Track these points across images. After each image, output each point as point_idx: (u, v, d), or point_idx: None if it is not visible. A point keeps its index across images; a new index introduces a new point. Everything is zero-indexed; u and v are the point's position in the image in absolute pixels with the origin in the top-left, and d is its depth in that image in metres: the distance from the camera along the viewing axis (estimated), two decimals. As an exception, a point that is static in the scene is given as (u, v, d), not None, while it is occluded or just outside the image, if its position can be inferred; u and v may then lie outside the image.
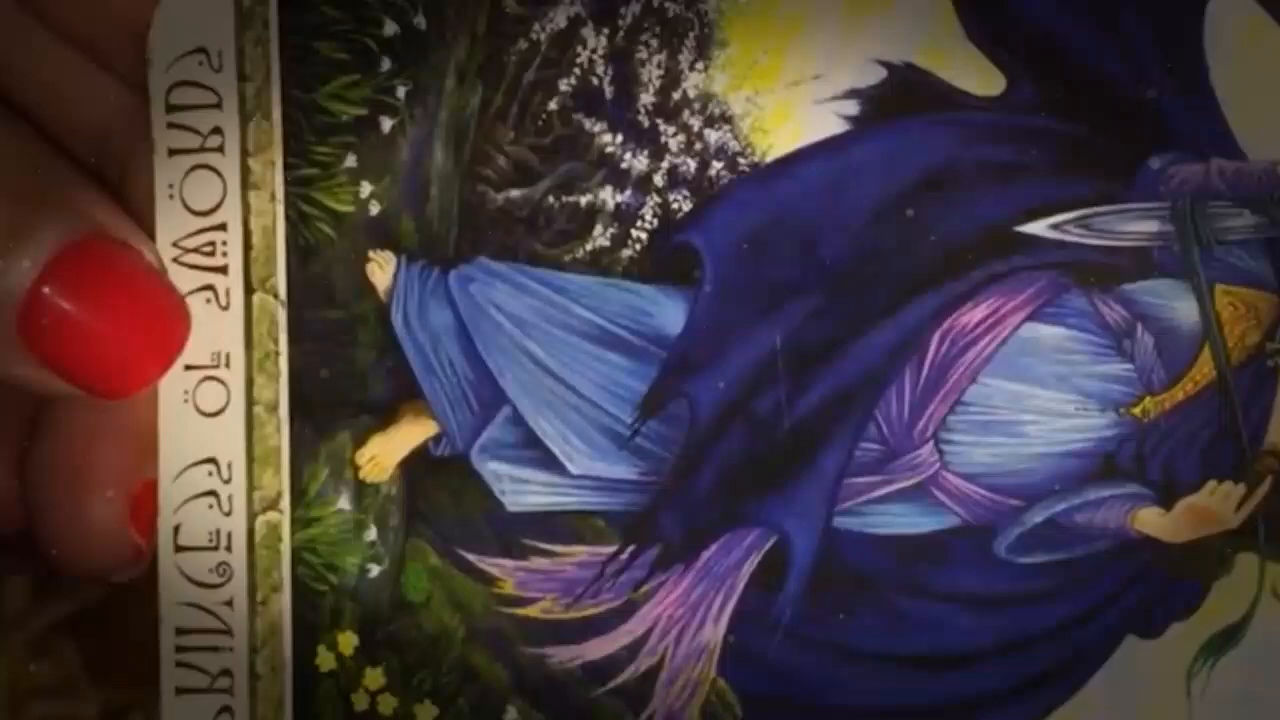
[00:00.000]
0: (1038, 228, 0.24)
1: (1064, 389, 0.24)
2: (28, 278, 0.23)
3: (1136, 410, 0.24)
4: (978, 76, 0.24)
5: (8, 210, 0.23)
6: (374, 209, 0.25)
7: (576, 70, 0.24)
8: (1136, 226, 0.23)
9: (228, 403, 0.25)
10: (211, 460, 0.25)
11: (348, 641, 0.25)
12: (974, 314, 0.24)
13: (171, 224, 0.25)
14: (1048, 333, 0.24)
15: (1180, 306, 0.23)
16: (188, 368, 0.25)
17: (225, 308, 0.25)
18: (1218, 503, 0.23)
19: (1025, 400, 0.24)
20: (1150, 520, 0.24)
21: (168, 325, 0.24)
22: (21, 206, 0.23)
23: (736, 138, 0.24)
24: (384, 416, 0.25)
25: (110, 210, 0.24)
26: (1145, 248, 0.23)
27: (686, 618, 0.25)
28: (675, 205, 0.24)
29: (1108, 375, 0.24)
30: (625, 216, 0.24)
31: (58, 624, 0.31)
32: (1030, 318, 0.24)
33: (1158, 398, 0.24)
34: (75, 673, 0.31)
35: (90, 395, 0.23)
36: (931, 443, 0.24)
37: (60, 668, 0.31)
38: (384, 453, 0.25)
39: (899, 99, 0.24)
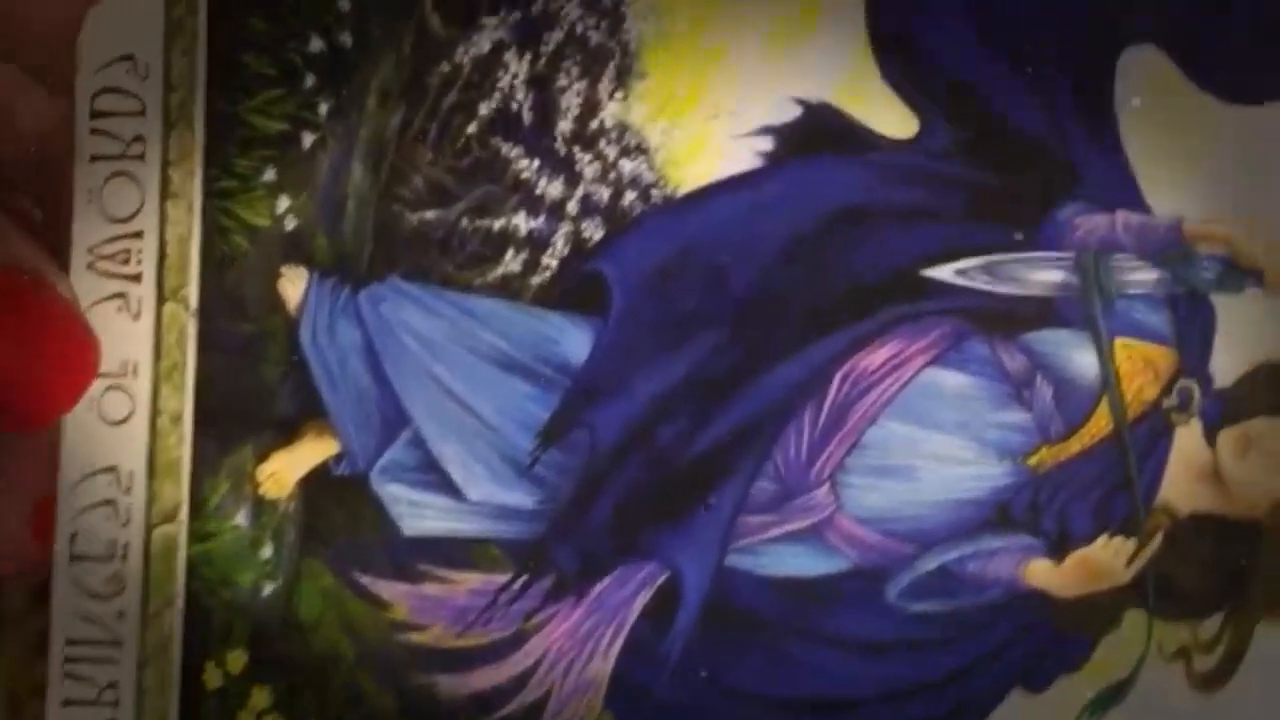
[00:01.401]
0: (943, 272, 0.28)
1: (962, 435, 0.28)
2: None
3: (1033, 460, 0.28)
4: (892, 119, 0.28)
5: None
6: (290, 224, 0.30)
7: (497, 94, 0.29)
8: (1041, 275, 0.28)
9: (132, 412, 0.30)
10: (113, 469, 0.30)
11: (237, 660, 0.30)
12: (876, 356, 0.28)
13: (88, 230, 0.30)
14: (949, 378, 0.28)
15: (1080, 358, 0.28)
16: (94, 374, 0.30)
17: (136, 317, 0.30)
18: (1109, 557, 0.28)
19: (923, 445, 0.28)
20: (1041, 573, 0.28)
21: (79, 361, 0.28)
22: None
23: (651, 168, 0.29)
24: (288, 433, 0.30)
25: (24, 243, 0.28)
26: (1048, 297, 0.28)
27: (576, 650, 0.29)
28: (587, 234, 0.29)
29: (1006, 424, 0.28)
30: (537, 243, 0.29)
31: None
32: (932, 362, 0.28)
33: (1054, 448, 0.28)
34: None
35: None
36: (828, 484, 0.28)
37: None
38: (285, 469, 0.30)
39: (813, 137, 0.28)
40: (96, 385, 0.29)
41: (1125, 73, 0.27)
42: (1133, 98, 0.27)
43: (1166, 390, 0.27)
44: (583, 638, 0.28)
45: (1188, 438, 0.27)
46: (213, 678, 0.29)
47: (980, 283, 0.27)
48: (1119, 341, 0.27)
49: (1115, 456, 0.27)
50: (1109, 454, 0.27)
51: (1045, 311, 0.27)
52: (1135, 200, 0.27)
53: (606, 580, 0.28)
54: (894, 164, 0.28)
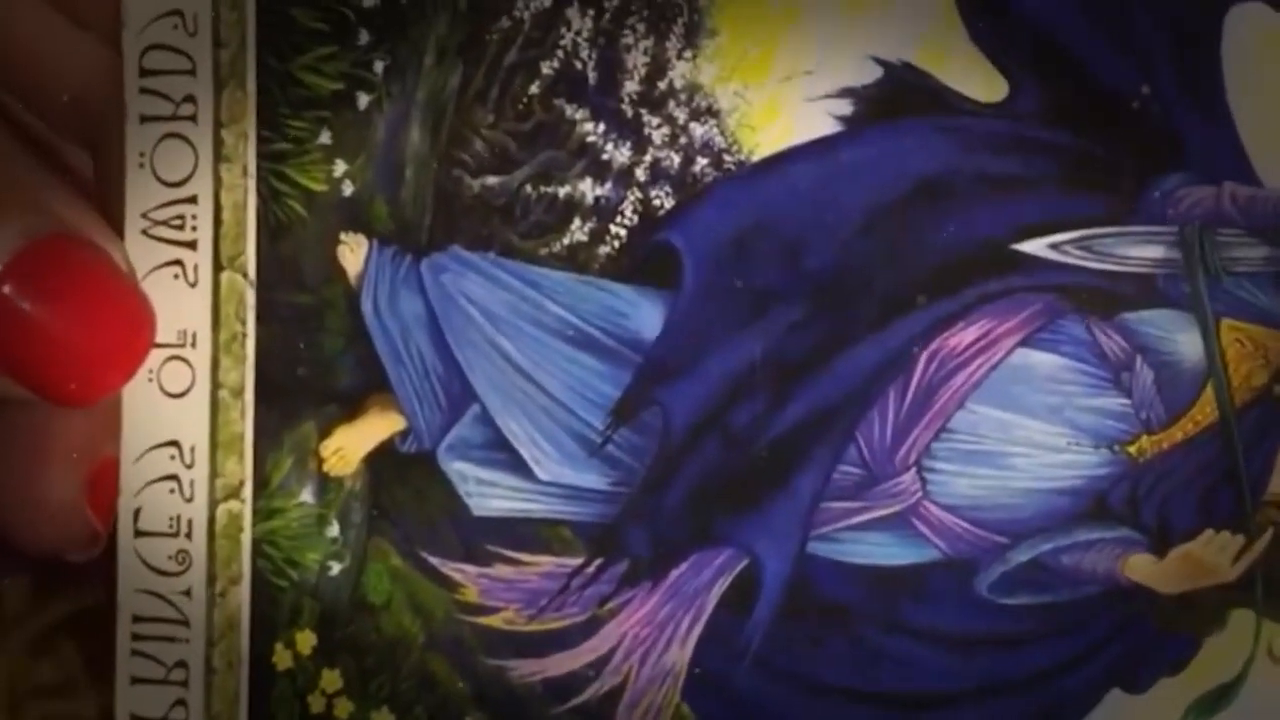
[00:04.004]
0: (1036, 247, 0.35)
1: (1056, 421, 0.36)
2: None
3: (1132, 449, 0.35)
4: (979, 81, 0.35)
5: None
6: (347, 189, 0.38)
7: (559, 53, 0.37)
8: (1141, 251, 0.35)
9: (192, 384, 0.39)
10: (174, 443, 0.39)
11: (306, 640, 0.39)
12: (965, 335, 0.36)
13: (142, 194, 0.39)
14: (1041, 360, 0.36)
15: (1183, 340, 0.35)
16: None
17: (193, 285, 0.39)
18: (1214, 553, 0.35)
19: (1014, 431, 0.36)
20: (1142, 567, 0.35)
21: (132, 334, 0.36)
22: (-16, 204, 0.36)
23: (723, 133, 0.36)
24: (351, 407, 0.38)
25: (79, 209, 0.37)
26: (1149, 274, 0.35)
27: (653, 637, 0.38)
28: (656, 202, 0.37)
29: (1103, 409, 0.35)
30: (604, 211, 0.37)
31: (58, 624, 0.46)
32: (1023, 343, 0.35)
33: (1155, 437, 0.35)
34: (75, 673, 0.46)
35: (47, 401, 0.37)
36: (914, 470, 0.36)
37: (60, 668, 0.46)
38: (349, 445, 0.39)
39: (895, 100, 0.35)
40: (155, 356, 0.38)
41: (1232, 32, 0.34)
42: (1240, 59, 0.34)
43: (1277, 376, 0.34)
44: (660, 624, 0.37)
45: None
46: (282, 659, 0.38)
47: (1076, 258, 0.34)
48: (1225, 323, 0.34)
49: (1221, 446, 0.34)
50: (1214, 444, 0.34)
51: (1146, 290, 0.34)
52: (1244, 171, 0.34)
53: (683, 566, 0.37)
54: (982, 130, 0.35)
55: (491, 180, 0.36)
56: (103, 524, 0.38)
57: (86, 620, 0.43)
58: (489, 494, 0.36)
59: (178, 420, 0.37)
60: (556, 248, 0.35)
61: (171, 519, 0.37)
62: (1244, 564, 0.33)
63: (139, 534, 0.37)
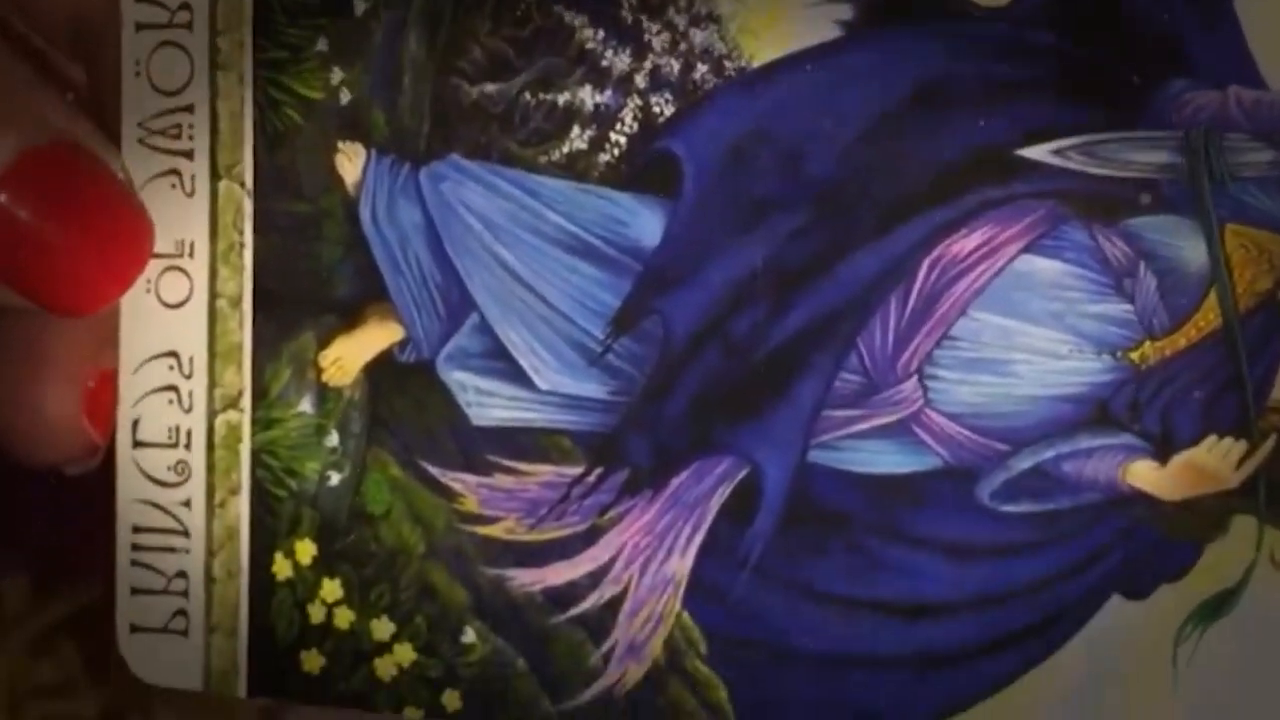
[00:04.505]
0: (1039, 152, 0.35)
1: (1058, 328, 0.35)
2: None
3: (1135, 355, 0.35)
4: None
5: None
6: (344, 97, 0.38)
7: None
8: (1145, 157, 0.35)
9: (190, 294, 0.39)
10: (173, 354, 0.39)
11: (305, 550, 0.39)
12: (966, 242, 0.36)
13: (137, 103, 0.39)
14: (1044, 266, 0.35)
15: (1187, 246, 0.35)
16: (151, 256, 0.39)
17: (190, 194, 0.39)
18: (1217, 459, 0.35)
19: (1016, 338, 0.36)
20: (1143, 474, 0.35)
21: (130, 243, 0.37)
22: (-21, 113, 0.36)
23: (723, 39, 0.36)
24: (349, 317, 0.38)
25: (76, 119, 0.37)
26: (1153, 180, 0.35)
27: (653, 546, 0.38)
28: (656, 109, 0.37)
29: (1106, 316, 0.35)
30: (604, 118, 0.37)
31: (58, 624, 0.46)
32: (1026, 249, 0.35)
33: (1158, 343, 0.35)
34: (75, 673, 0.46)
35: (43, 310, 0.37)
36: (915, 378, 0.36)
37: (60, 668, 0.46)
38: (348, 355, 0.39)
39: (897, 4, 0.35)
40: (153, 266, 0.38)
41: (1238, -67, 0.33)
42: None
43: (1281, 281, 0.34)
44: (660, 533, 0.37)
45: None
46: (282, 568, 0.39)
47: (1078, 163, 0.34)
48: (1230, 228, 0.34)
49: (1225, 352, 0.34)
50: (1218, 349, 0.34)
51: (1150, 195, 0.34)
52: (1250, 75, 0.33)
53: (683, 475, 0.37)
54: (984, 34, 0.34)
55: (490, 88, 0.35)
56: (101, 436, 0.38)
57: (86, 620, 0.43)
58: (488, 403, 0.36)
59: (176, 330, 0.37)
60: (556, 155, 0.35)
61: (170, 429, 0.37)
62: (1247, 470, 0.33)
63: (138, 445, 0.37)
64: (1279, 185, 0.33)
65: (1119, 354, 0.33)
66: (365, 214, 0.36)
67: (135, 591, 0.37)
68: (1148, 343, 0.33)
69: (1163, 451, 0.34)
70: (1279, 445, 0.33)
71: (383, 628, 0.37)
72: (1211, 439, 0.33)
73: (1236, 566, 0.34)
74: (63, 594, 0.44)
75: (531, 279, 0.35)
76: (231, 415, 0.37)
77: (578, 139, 0.35)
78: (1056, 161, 0.33)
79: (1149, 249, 0.33)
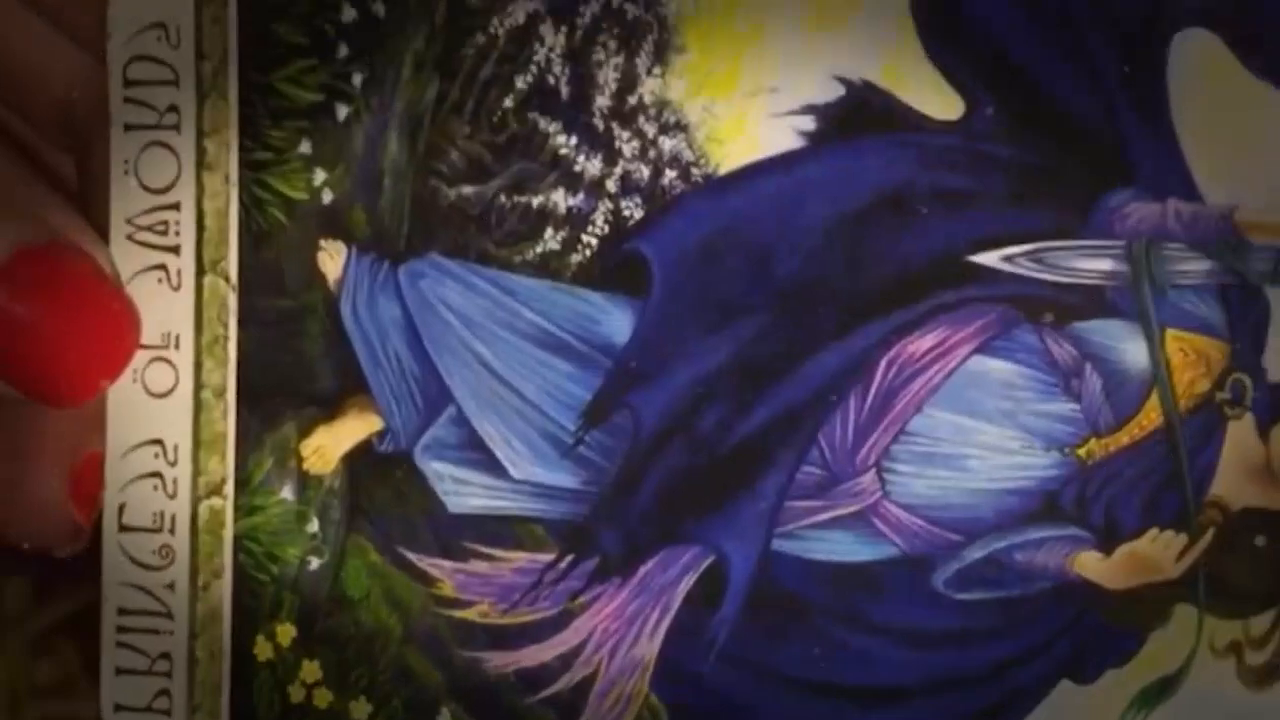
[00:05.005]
0: (990, 259, 0.37)
1: (1009, 425, 0.37)
2: None
3: (1081, 451, 0.37)
4: (937, 99, 0.37)
5: None
6: (327, 197, 0.39)
7: (533, 68, 0.38)
8: (1090, 264, 0.37)
9: (176, 384, 0.40)
10: (158, 441, 0.40)
11: (286, 633, 0.40)
12: (922, 343, 0.37)
13: (126, 200, 0.40)
14: (996, 367, 0.37)
15: (1131, 349, 0.37)
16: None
17: (176, 288, 0.40)
18: (1158, 551, 0.37)
19: (970, 434, 0.37)
20: (1090, 564, 0.37)
21: (118, 337, 0.38)
22: (-23, 212, 0.37)
23: (691, 147, 0.38)
24: (330, 408, 0.40)
25: (66, 215, 0.38)
26: (1098, 286, 0.37)
27: (622, 631, 0.39)
28: (627, 212, 0.38)
29: (1054, 414, 0.37)
30: (576, 221, 0.39)
31: (58, 624, 0.47)
32: (979, 350, 0.37)
33: (1103, 440, 0.37)
34: (75, 673, 0.47)
35: (34, 402, 0.38)
36: (874, 471, 0.38)
37: (60, 668, 0.47)
38: (329, 445, 0.40)
39: (856, 117, 0.37)
40: (140, 357, 0.39)
41: (1177, 57, 0.35)
42: (1185, 79, 0.35)
43: (1219, 384, 0.36)
44: (629, 618, 0.39)
45: (1240, 432, 0.36)
46: (263, 650, 0.40)
47: (1028, 270, 0.36)
48: (1170, 333, 0.36)
49: (1166, 450, 0.36)
50: (1159, 447, 0.36)
51: (1095, 301, 0.36)
52: (1187, 188, 0.35)
53: (651, 563, 0.38)
54: (939, 146, 0.36)
55: (467, 190, 0.37)
56: (86, 519, 0.39)
57: (86, 620, 0.44)
58: (464, 492, 0.37)
59: (161, 419, 0.38)
60: (530, 255, 0.37)
61: (155, 514, 0.38)
62: (1187, 561, 0.35)
63: (123, 529, 0.38)
64: (1215, 293, 0.34)
65: (1066, 450, 0.35)
66: (346, 310, 0.37)
67: (120, 672, 0.39)
68: (1093, 440, 0.35)
69: (1107, 543, 0.35)
70: (1217, 538, 0.35)
71: (361, 708, 0.38)
72: (1154, 531, 0.35)
73: (1178, 654, 0.35)
74: (62, 594, 0.45)
75: (507, 373, 0.37)
76: (215, 501, 0.38)
77: (551, 240, 0.37)
78: (1007, 268, 0.35)
79: (1094, 351, 0.35)
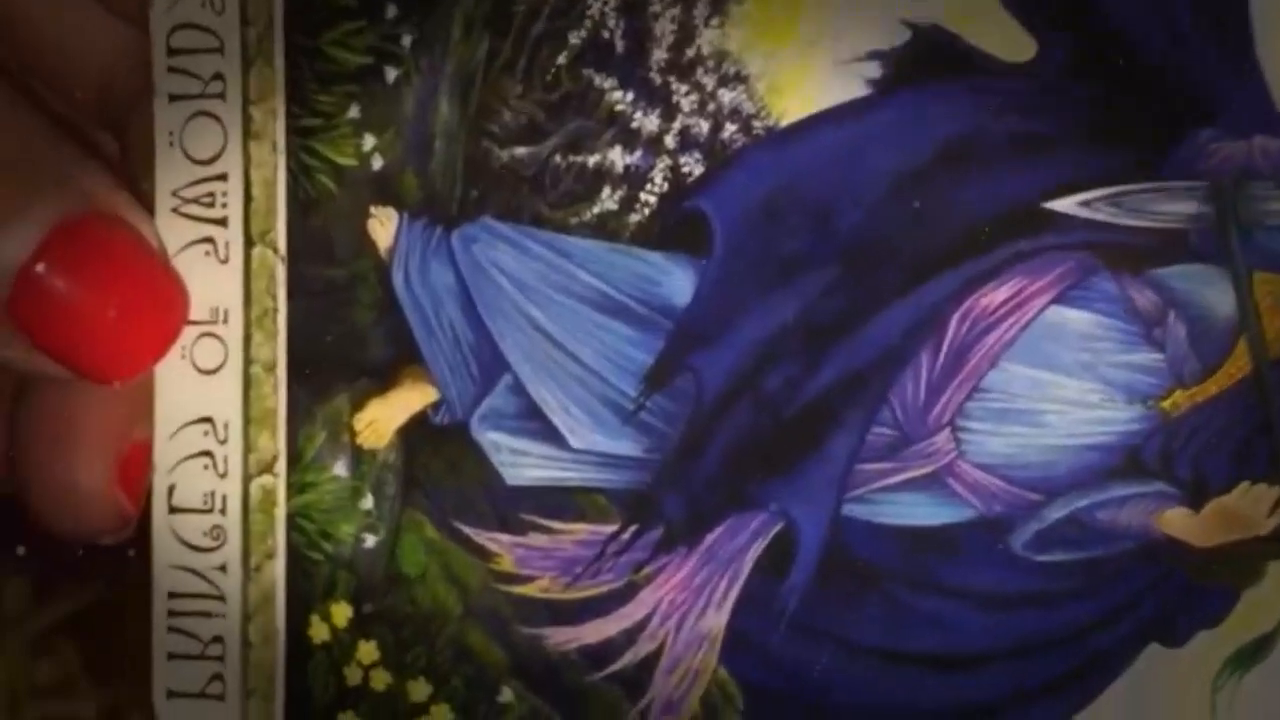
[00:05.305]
0: (1066, 205, 0.36)
1: (1089, 378, 0.36)
2: (20, 255, 0.34)
3: (1166, 404, 0.36)
4: (1008, 40, 0.35)
5: (2, 187, 0.35)
6: (376, 163, 0.38)
7: (587, 23, 0.37)
8: (1172, 206, 0.35)
9: (225, 360, 0.39)
10: (208, 419, 0.39)
11: (341, 613, 0.39)
12: (996, 295, 0.36)
13: (171, 173, 0.39)
14: (1074, 317, 0.36)
15: (1216, 294, 0.35)
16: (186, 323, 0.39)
17: (224, 261, 0.39)
18: (1249, 505, 0.35)
19: (1047, 389, 0.36)
20: (1177, 521, 0.36)
21: (165, 311, 0.37)
22: (17, 183, 0.35)
23: (751, 99, 0.37)
24: (383, 380, 0.38)
25: (111, 189, 0.37)
26: (1181, 229, 0.35)
27: (689, 603, 0.38)
28: (686, 169, 0.37)
29: (1136, 365, 0.36)
30: (634, 179, 0.37)
31: (58, 624, 0.46)
32: (1055, 301, 0.36)
33: (1189, 391, 0.35)
34: (75, 673, 0.46)
35: (81, 379, 0.37)
36: (948, 430, 0.36)
37: (60, 668, 0.46)
38: (382, 418, 0.39)
39: (924, 62, 0.36)
40: (188, 333, 0.38)
41: (1260, -15, 0.34)
42: (1270, 13, 0.34)
43: (1311, 328, 0.34)
44: (696, 589, 0.37)
45: None
46: (318, 631, 0.39)
47: (1106, 215, 0.35)
48: (1259, 276, 0.34)
49: (1255, 399, 0.35)
50: (1248, 397, 0.35)
51: (1177, 245, 0.35)
52: (1274, 125, 0.34)
53: (718, 530, 0.37)
54: (1011, 90, 0.35)
55: (520, 150, 0.36)
56: (134, 507, 0.38)
57: (86, 620, 0.44)
58: (522, 463, 0.36)
59: (211, 396, 0.37)
60: (587, 216, 0.36)
61: (206, 495, 0.37)
62: None
63: (173, 510, 0.37)
64: (1305, 233, 0.33)
65: (1149, 403, 0.34)
66: (398, 278, 0.36)
67: (172, 657, 0.38)
68: (1178, 391, 0.34)
69: (1195, 499, 0.34)
70: (1311, 491, 0.33)
71: (420, 689, 0.37)
72: (1244, 485, 0.34)
73: (1273, 612, 0.34)
74: (63, 594, 0.44)
75: (564, 339, 0.36)
76: (266, 480, 0.37)
77: (608, 200, 0.35)
78: (1084, 213, 0.34)
79: (1178, 298, 0.34)
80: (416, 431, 0.37)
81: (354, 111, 0.36)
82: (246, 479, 0.37)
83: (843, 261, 0.34)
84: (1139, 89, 0.33)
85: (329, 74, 0.36)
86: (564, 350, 0.36)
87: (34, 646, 0.44)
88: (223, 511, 0.37)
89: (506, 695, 0.37)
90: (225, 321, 0.37)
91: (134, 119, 0.37)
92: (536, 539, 0.36)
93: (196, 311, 0.37)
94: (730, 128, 0.35)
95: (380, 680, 0.37)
